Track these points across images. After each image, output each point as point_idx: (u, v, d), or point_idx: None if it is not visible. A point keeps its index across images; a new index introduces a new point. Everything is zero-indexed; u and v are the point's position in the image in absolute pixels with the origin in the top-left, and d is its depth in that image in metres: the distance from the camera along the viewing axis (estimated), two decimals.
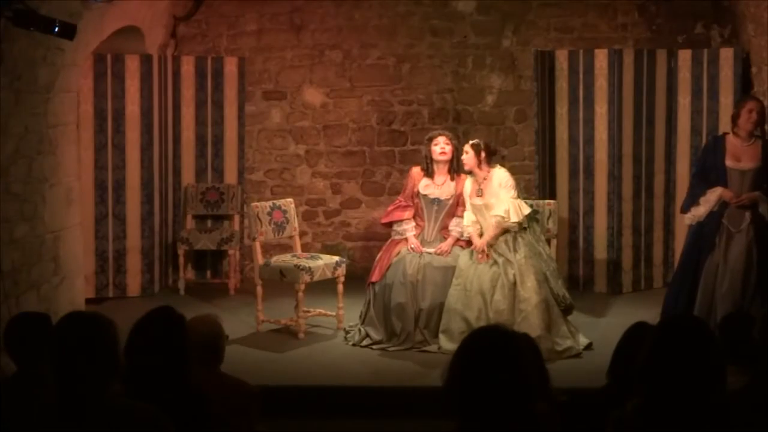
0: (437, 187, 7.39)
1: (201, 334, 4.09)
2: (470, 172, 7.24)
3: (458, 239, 7.31)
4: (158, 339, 3.50)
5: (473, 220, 7.19)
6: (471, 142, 7.29)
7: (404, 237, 7.39)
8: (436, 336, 7.06)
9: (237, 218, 9.22)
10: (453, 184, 7.36)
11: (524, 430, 2.57)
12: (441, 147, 7.35)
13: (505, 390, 2.53)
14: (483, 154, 7.18)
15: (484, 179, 7.18)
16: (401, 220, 7.43)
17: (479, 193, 7.17)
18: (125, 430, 2.93)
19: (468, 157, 7.18)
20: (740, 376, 3.58)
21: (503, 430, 2.55)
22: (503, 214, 7.05)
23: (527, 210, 7.19)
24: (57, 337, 3.02)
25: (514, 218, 7.05)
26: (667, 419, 2.81)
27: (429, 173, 7.42)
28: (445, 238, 7.33)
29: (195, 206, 9.19)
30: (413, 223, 7.43)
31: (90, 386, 2.93)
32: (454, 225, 7.34)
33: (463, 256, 7.14)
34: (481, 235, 7.16)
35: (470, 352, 2.61)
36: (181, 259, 8.98)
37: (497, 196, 7.09)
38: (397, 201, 7.57)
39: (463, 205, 7.28)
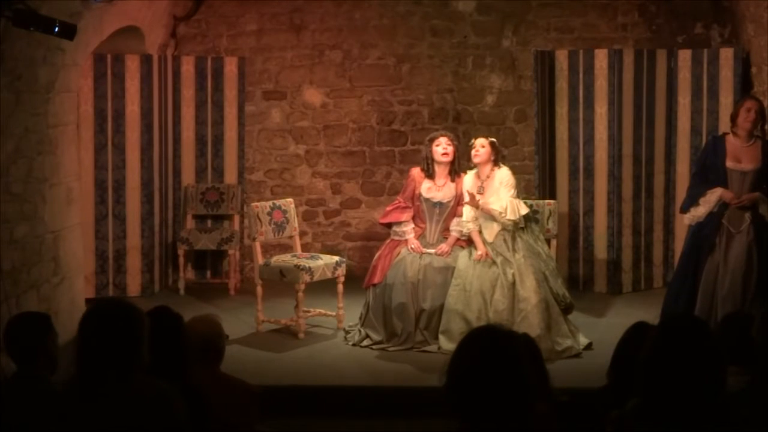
0: (439, 189, 7.34)
1: (201, 334, 4.09)
2: (475, 167, 7.22)
3: (458, 239, 7.29)
4: (156, 339, 3.50)
5: (472, 215, 7.17)
6: (489, 138, 7.28)
7: (404, 239, 7.37)
8: (437, 337, 7.05)
9: (237, 218, 9.22)
10: (453, 185, 7.33)
11: (524, 430, 2.56)
12: (443, 148, 7.30)
13: (504, 390, 2.53)
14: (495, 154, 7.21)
15: (488, 177, 7.18)
16: (400, 222, 7.40)
17: (480, 190, 7.16)
18: (142, 407, 2.97)
19: (485, 151, 7.16)
20: (740, 376, 3.58)
21: (503, 430, 2.54)
22: (500, 210, 7.04)
23: (524, 210, 7.18)
24: (95, 317, 3.09)
25: (511, 216, 7.04)
26: (667, 419, 2.80)
27: (429, 174, 7.39)
28: (447, 239, 7.32)
29: (195, 206, 9.18)
30: (412, 225, 7.40)
31: (113, 369, 2.98)
32: (454, 225, 7.31)
33: (462, 257, 7.13)
34: (480, 232, 7.15)
35: (469, 351, 2.61)
36: (181, 259, 8.97)
37: (497, 194, 7.09)
38: (397, 201, 7.53)
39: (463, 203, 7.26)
